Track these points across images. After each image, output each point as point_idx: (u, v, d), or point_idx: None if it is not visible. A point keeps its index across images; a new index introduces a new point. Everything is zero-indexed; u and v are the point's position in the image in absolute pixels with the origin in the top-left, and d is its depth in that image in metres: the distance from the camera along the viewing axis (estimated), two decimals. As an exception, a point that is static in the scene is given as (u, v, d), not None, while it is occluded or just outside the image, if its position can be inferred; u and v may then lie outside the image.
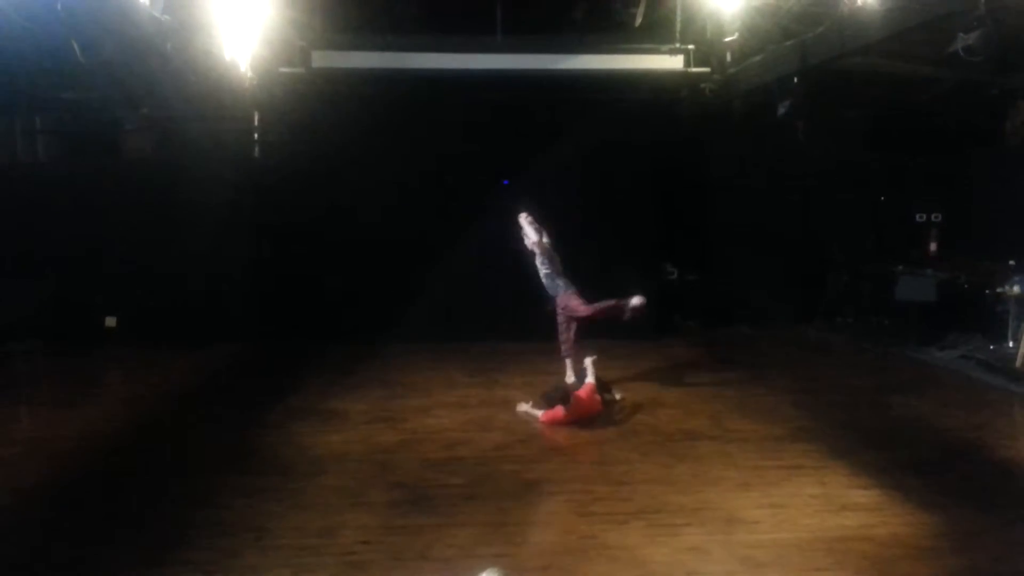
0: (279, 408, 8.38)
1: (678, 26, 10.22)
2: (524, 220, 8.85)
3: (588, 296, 8.74)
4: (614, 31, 10.62)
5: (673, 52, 10.32)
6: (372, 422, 7.91)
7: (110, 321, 11.63)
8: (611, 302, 8.51)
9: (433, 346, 11.16)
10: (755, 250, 12.64)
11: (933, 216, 12.59)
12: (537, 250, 8.73)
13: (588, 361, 8.36)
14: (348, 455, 6.90)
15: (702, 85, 10.97)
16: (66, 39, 6.21)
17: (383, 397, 8.87)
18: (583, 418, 7.77)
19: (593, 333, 10.79)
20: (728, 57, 10.30)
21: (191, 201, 11.30)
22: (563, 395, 7.87)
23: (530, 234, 8.76)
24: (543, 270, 8.73)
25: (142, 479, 6.45)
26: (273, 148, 11.74)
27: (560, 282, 8.70)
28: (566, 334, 8.86)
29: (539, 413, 7.90)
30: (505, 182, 11.94)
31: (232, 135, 11.61)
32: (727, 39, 9.97)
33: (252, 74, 8.89)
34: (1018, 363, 9.32)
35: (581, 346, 8.80)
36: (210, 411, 8.63)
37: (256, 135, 11.85)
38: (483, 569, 3.09)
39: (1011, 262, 10.67)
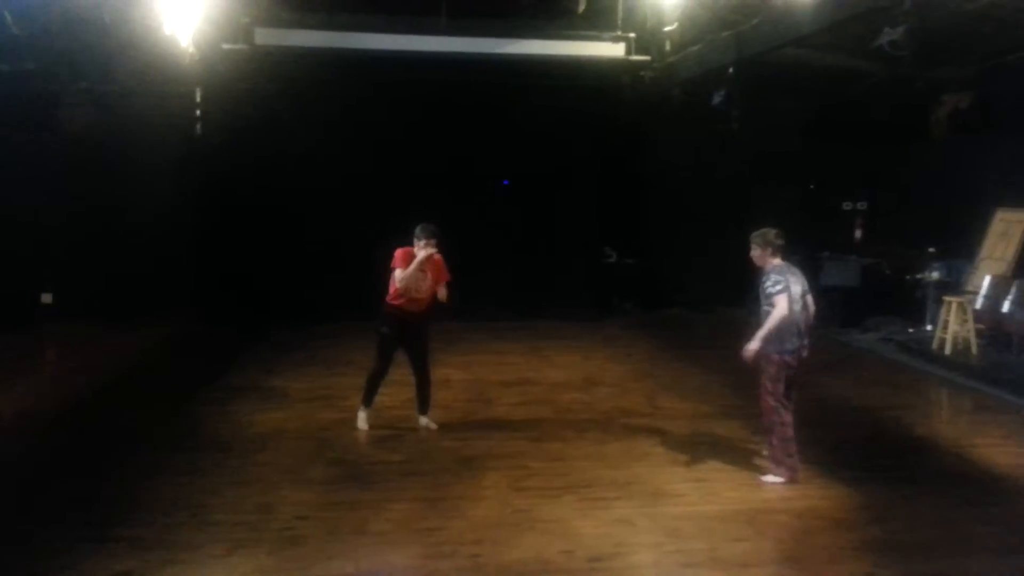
0: (219, 386, 8.39)
1: (620, 14, 10.36)
2: None
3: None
4: (558, 17, 10.72)
5: (615, 40, 10.46)
6: (312, 400, 7.97)
7: (46, 298, 11.41)
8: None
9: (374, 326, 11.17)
10: (691, 235, 12.95)
11: (859, 204, 13.07)
12: None
13: None
14: (287, 432, 6.96)
15: (642, 73, 11.15)
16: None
17: (323, 375, 8.92)
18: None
19: (537, 315, 10.96)
20: (667, 46, 10.47)
21: (131, 177, 11.16)
22: None
23: None
24: None
25: (79, 457, 6.42)
26: (216, 125, 11.60)
27: None
28: None
29: None
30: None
31: (174, 111, 11.45)
32: (666, 28, 10.14)
33: (195, 50, 8.78)
34: (947, 350, 9.70)
35: None
36: (149, 389, 8.57)
37: (198, 112, 11.69)
38: None
39: (931, 249, 11.15)
